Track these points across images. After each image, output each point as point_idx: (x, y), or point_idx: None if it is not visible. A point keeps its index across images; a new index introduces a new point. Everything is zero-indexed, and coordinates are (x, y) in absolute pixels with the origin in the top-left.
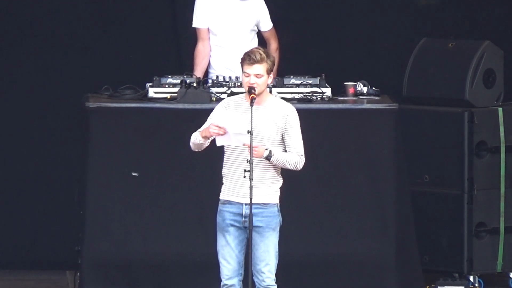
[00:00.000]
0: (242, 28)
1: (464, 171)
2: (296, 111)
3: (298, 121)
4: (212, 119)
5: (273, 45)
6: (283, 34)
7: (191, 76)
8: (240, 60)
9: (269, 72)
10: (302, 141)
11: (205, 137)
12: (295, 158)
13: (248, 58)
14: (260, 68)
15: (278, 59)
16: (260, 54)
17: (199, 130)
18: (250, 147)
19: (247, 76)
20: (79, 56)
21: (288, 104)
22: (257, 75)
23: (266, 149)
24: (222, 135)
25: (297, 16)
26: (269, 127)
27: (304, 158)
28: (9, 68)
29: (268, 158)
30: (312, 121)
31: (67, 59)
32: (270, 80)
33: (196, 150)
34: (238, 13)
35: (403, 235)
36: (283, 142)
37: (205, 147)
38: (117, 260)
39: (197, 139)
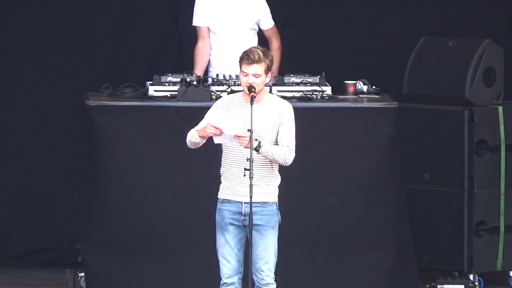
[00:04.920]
0: (242, 26)
1: (464, 170)
2: (292, 108)
3: (293, 118)
4: (209, 116)
5: (275, 44)
6: (284, 33)
7: (191, 74)
8: (239, 59)
9: (267, 71)
10: (293, 137)
11: (202, 137)
12: (285, 151)
13: (246, 58)
14: (258, 68)
15: (279, 58)
16: (259, 54)
17: (196, 128)
18: (250, 146)
19: (245, 76)
20: (80, 54)
21: (285, 102)
22: (255, 75)
23: (256, 140)
24: (218, 135)
25: (298, 14)
26: (267, 125)
27: (294, 153)
28: (9, 67)
29: (256, 149)
30: (312, 120)
31: (67, 57)
32: (268, 79)
33: (192, 148)
34: (238, 11)
35: (400, 233)
36: None
37: (201, 145)
38: (117, 258)
39: (194, 138)
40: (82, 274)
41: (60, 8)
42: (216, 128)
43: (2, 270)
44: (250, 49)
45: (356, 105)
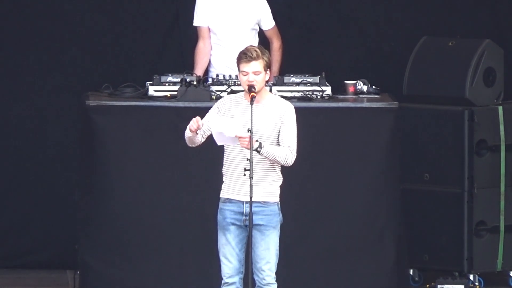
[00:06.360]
0: (243, 26)
1: (464, 170)
2: (293, 109)
3: (294, 118)
4: (210, 115)
5: (275, 44)
6: (284, 33)
7: (191, 74)
8: (236, 60)
9: (266, 68)
10: (295, 137)
11: (191, 131)
12: (286, 152)
13: (244, 56)
14: (257, 65)
15: (280, 58)
16: (256, 51)
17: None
18: (250, 145)
19: (245, 75)
20: (80, 54)
21: (286, 102)
22: (255, 72)
23: (256, 141)
24: (197, 128)
25: (298, 14)
26: (267, 125)
27: (295, 154)
28: (9, 66)
29: (257, 150)
30: (312, 120)
31: (68, 57)
32: (267, 77)
33: (191, 145)
34: (238, 11)
35: (400, 233)
36: None
37: (199, 142)
38: (117, 258)
39: (187, 133)
40: None
41: (60, 8)
42: (198, 124)
43: (2, 270)
44: (246, 48)
45: (356, 105)
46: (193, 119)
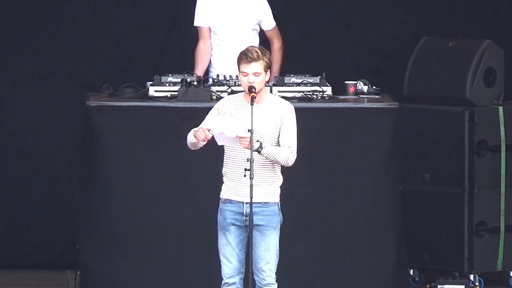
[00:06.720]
0: (243, 27)
1: (464, 170)
2: (293, 109)
3: (294, 119)
4: (210, 117)
5: (276, 44)
6: (284, 33)
7: (192, 74)
8: (237, 60)
9: (266, 69)
10: (295, 138)
11: (197, 139)
12: (286, 152)
13: (245, 57)
14: (257, 66)
15: (280, 59)
16: (257, 52)
17: (194, 129)
18: (251, 146)
19: (245, 76)
20: (80, 54)
21: (286, 102)
22: (255, 73)
23: (257, 141)
24: (206, 139)
25: (298, 14)
26: (267, 125)
27: (295, 154)
28: (10, 66)
29: (258, 150)
30: (312, 120)
31: (68, 57)
32: (267, 77)
33: (193, 149)
34: (239, 12)
35: (400, 233)
36: None
37: (201, 146)
38: (117, 259)
39: (191, 138)
40: None
41: (60, 8)
42: (206, 134)
43: (2, 270)
44: (247, 48)
45: (357, 106)
46: (201, 129)
